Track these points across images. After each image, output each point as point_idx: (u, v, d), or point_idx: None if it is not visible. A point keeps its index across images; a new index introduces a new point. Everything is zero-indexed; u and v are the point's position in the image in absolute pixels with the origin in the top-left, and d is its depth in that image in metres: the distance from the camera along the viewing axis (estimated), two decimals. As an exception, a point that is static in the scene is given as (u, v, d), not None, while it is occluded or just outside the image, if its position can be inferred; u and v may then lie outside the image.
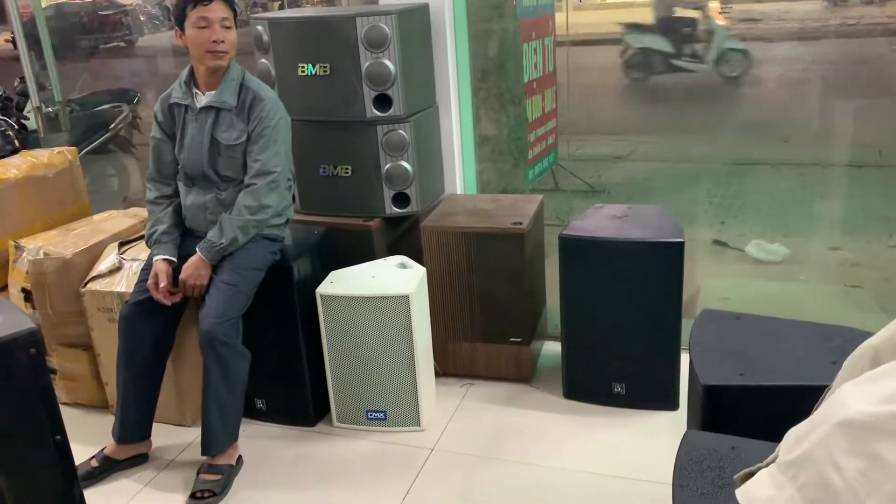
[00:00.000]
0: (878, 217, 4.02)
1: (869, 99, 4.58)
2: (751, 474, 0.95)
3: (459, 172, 3.06)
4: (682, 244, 2.44)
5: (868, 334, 1.16)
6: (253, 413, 2.67)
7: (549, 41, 4.58)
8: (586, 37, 6.30)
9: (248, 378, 2.37)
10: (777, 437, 0.99)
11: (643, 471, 2.26)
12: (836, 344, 1.90)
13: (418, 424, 2.57)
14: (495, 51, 3.83)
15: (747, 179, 4.74)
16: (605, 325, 2.57)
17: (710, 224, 4.20)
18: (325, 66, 2.65)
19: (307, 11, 2.80)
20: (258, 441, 2.58)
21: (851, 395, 0.91)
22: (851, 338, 1.83)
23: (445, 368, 2.84)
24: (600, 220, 2.67)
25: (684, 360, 2.32)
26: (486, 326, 2.78)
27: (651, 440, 2.43)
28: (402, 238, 2.93)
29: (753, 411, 1.75)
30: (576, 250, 2.54)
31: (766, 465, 0.94)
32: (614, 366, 2.60)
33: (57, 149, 3.12)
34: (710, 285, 3.56)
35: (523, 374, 2.80)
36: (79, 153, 3.20)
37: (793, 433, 0.94)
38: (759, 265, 3.83)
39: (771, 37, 5.55)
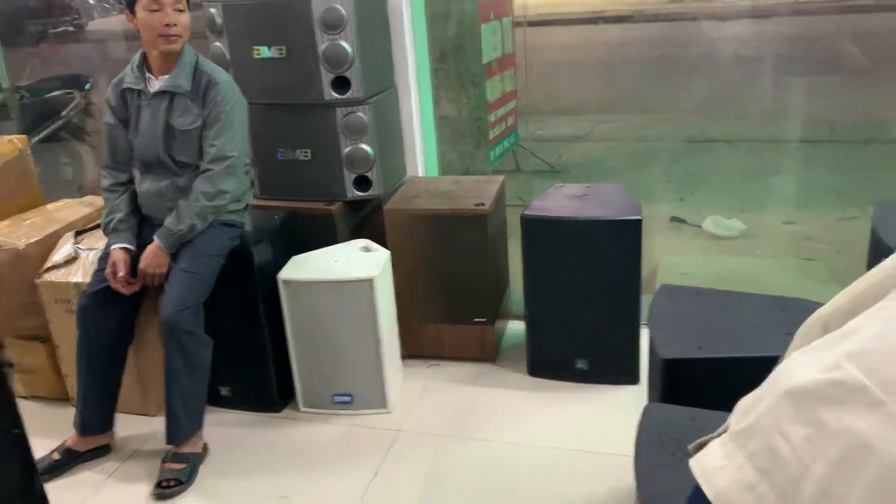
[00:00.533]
0: (831, 191, 4.13)
1: (820, 76, 4.67)
2: (704, 444, 0.98)
3: (420, 154, 3.05)
4: (639, 221, 2.47)
5: (822, 305, 1.20)
6: (218, 401, 2.65)
7: (507, 21, 4.58)
8: (546, 17, 6.32)
9: (212, 366, 2.35)
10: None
11: (606, 444, 2.31)
12: (791, 315, 1.95)
13: (385, 406, 2.58)
14: (454, 31, 3.83)
15: (704, 157, 4.82)
16: (568, 303, 2.60)
17: (669, 201, 4.27)
18: (282, 49, 2.61)
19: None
20: (224, 428, 2.56)
21: (798, 364, 0.94)
22: (805, 309, 1.87)
23: (411, 350, 2.85)
24: (560, 200, 2.69)
25: (645, 335, 2.37)
26: (450, 307, 2.79)
27: (614, 414, 2.48)
28: (365, 221, 2.92)
29: (712, 383, 1.79)
30: (537, 230, 2.56)
31: (718, 436, 0.97)
32: (577, 343, 2.63)
33: (6, 137, 3.03)
34: (669, 261, 3.63)
35: (488, 353, 2.83)
36: (29, 141, 3.12)
37: (743, 403, 0.97)
38: (716, 240, 3.91)
39: (724, 15, 5.62)
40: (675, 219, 4.12)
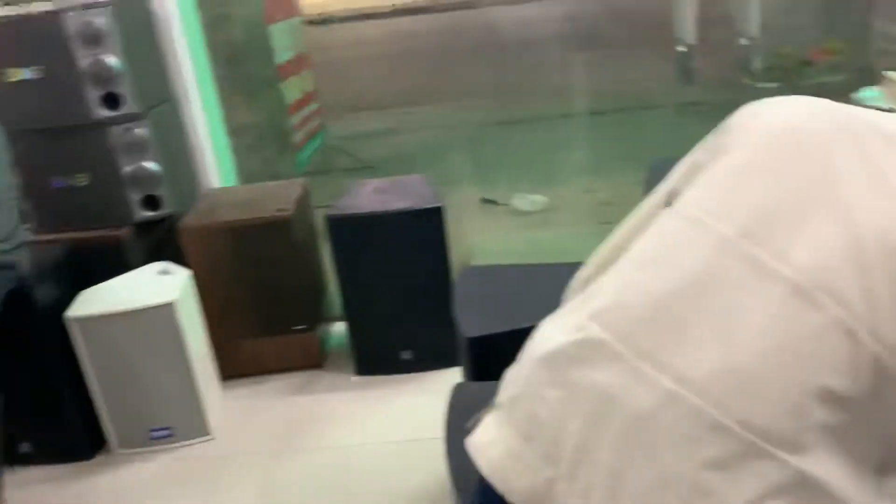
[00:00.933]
0: (622, 157, 4.41)
1: (597, 51, 4.99)
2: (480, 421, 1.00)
3: (215, 165, 2.92)
4: (440, 208, 2.52)
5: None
6: (19, 459, 2.41)
7: (297, 21, 4.51)
8: (341, 13, 6.28)
9: (4, 422, 2.13)
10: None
11: (436, 430, 2.32)
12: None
13: (207, 434, 2.46)
14: (240, 35, 3.70)
15: (508, 137, 5.00)
16: (384, 297, 2.61)
17: (478, 183, 4.39)
18: (40, 69, 2.40)
19: (5, 10, 2.50)
20: (30, 488, 2.34)
21: (548, 330, 0.98)
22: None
23: (231, 370, 2.73)
24: (364, 196, 2.68)
25: (459, 317, 2.42)
26: (267, 319, 2.71)
27: (440, 399, 2.49)
28: (163, 243, 2.75)
29: (515, 356, 1.85)
30: (344, 228, 2.55)
31: (491, 410, 0.99)
32: (399, 334, 2.66)
33: None
34: (482, 242, 3.73)
35: (313, 360, 2.78)
36: None
37: (508, 374, 1.00)
38: (525, 216, 4.08)
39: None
40: (485, 200, 4.25)
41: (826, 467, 0.79)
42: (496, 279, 2.18)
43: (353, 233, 2.54)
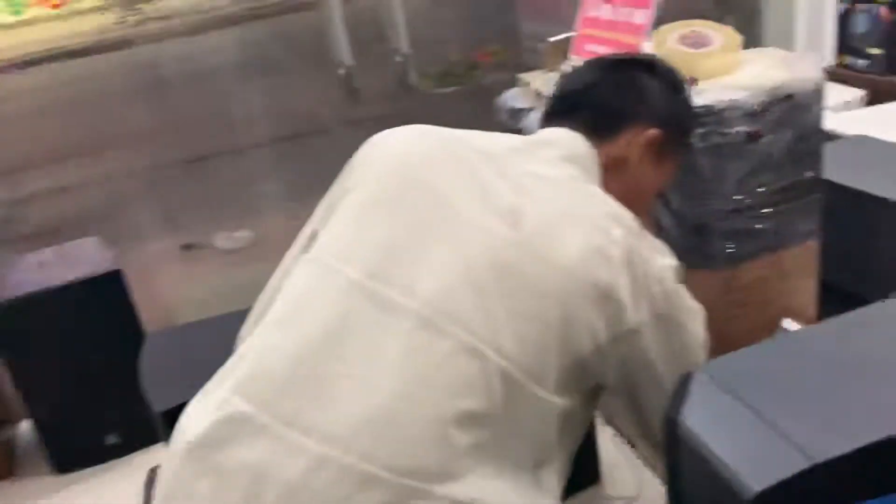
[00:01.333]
0: (317, 180, 4.42)
1: (272, 77, 4.93)
2: None
3: None
4: (118, 272, 2.31)
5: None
6: None
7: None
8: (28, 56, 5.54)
9: None
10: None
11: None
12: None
13: None
14: None
15: (202, 175, 4.75)
16: (72, 382, 2.32)
17: (176, 230, 4.13)
18: None
19: None
20: None
21: (194, 410, 0.91)
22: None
23: None
24: (24, 274, 2.37)
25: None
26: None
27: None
28: None
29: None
30: (2, 316, 2.22)
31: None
32: (100, 419, 2.39)
33: None
34: (189, 293, 3.51)
35: (-1, 471, 2.40)
36: None
37: (160, 471, 0.91)
38: (232, 255, 3.91)
39: (190, 30, 5.58)
40: (186, 246, 4.01)
41: (479, 485, 0.80)
42: (189, 339, 2.03)
43: (15, 318, 2.22)
